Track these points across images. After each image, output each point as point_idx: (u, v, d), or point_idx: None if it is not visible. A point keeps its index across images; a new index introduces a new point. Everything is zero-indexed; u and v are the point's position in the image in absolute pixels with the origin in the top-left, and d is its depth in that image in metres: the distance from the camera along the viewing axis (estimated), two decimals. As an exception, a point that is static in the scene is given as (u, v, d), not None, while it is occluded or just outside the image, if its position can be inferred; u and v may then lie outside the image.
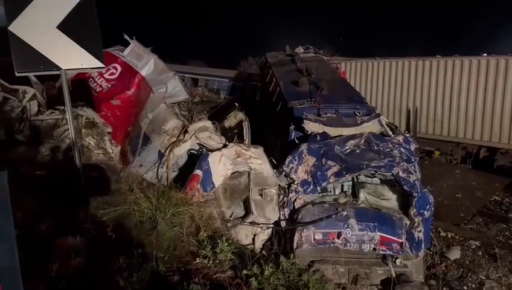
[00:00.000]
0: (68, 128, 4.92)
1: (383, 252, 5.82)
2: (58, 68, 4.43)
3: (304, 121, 7.15)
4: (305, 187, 6.27)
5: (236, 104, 9.80)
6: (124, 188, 4.84)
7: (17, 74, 4.39)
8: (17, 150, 5.68)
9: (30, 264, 2.67)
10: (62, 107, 6.42)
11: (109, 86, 7.98)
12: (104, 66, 4.56)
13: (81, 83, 7.85)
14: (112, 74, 8.09)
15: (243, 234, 5.83)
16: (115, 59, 8.21)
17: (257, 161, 6.14)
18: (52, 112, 6.77)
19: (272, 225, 6.04)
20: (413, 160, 6.45)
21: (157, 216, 4.07)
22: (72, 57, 4.43)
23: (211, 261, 3.59)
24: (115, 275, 2.94)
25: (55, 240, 3.27)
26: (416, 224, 5.93)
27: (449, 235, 9.32)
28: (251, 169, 6.08)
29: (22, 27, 4.28)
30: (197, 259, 3.63)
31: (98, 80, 8.07)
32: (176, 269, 3.42)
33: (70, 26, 4.38)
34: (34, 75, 6.72)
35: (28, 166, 5.14)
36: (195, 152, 6.42)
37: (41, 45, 4.32)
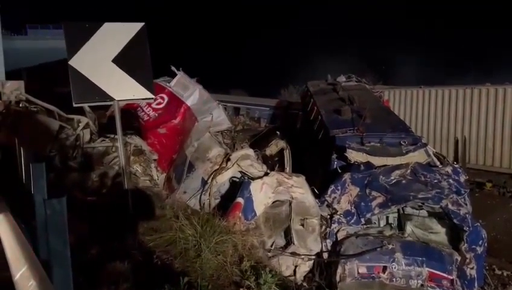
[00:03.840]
0: (117, 156, 5.15)
1: (432, 289, 5.51)
2: (112, 99, 4.72)
3: (347, 149, 7.04)
4: (348, 218, 6.12)
5: (278, 132, 9.85)
6: (169, 214, 4.95)
7: (74, 105, 4.71)
8: (71, 176, 5.99)
9: (80, 289, 2.76)
10: (112, 135, 6.75)
11: (156, 115, 8.32)
12: (154, 97, 4.79)
13: (130, 112, 8.24)
14: (159, 103, 8.44)
15: (284, 265, 5.73)
16: (162, 90, 8.58)
17: (299, 189, 6.09)
18: (103, 140, 7.13)
19: (313, 257, 5.90)
20: (463, 192, 6.17)
21: (201, 244, 4.11)
22: (124, 89, 4.71)
23: (255, 293, 3.56)
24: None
25: (104, 265, 3.38)
26: (468, 260, 5.60)
27: (505, 274, 8.69)
28: (293, 198, 6.03)
29: (81, 61, 4.63)
30: (241, 289, 3.61)
31: (146, 109, 8.44)
32: (220, 299, 3.43)
33: (124, 60, 4.69)
34: (88, 106, 7.16)
35: (79, 191, 5.39)
36: (237, 180, 6.48)
37: (97, 78, 4.64)
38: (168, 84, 8.78)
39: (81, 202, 4.94)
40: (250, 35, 44.56)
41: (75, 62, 4.58)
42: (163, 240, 4.23)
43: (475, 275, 5.58)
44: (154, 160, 7.52)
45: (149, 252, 3.83)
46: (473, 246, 5.65)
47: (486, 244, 5.79)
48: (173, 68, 9.03)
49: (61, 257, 2.09)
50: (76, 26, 4.79)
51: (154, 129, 8.13)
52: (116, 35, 4.70)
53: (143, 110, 8.50)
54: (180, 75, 8.84)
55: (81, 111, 7.37)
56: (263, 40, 42.67)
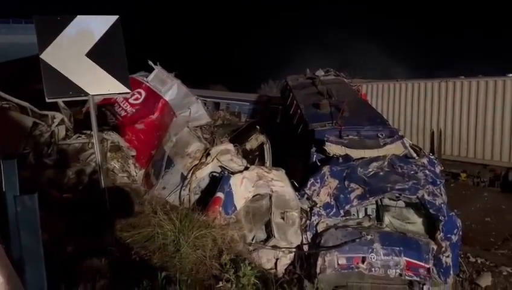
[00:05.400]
0: (94, 152, 5.05)
1: (409, 278, 5.63)
2: (87, 94, 4.61)
3: (326, 143, 7.12)
4: (327, 210, 6.19)
5: (258, 126, 9.86)
6: (147, 210, 4.90)
7: (47, 100, 4.58)
8: (46, 173, 5.85)
9: (56, 286, 2.70)
10: (88, 132, 6.61)
11: (134, 110, 8.19)
12: (130, 91, 4.71)
13: (106, 108, 8.09)
14: (137, 98, 8.30)
15: (265, 258, 5.76)
16: (139, 85, 8.44)
17: (279, 183, 6.11)
18: (79, 136, 6.97)
19: (294, 249, 5.95)
20: (438, 182, 6.30)
21: (180, 239, 4.08)
22: (99, 83, 4.61)
23: (234, 285, 3.56)
24: (139, 298, 2.95)
25: (80, 262, 3.32)
26: (443, 249, 5.75)
27: (479, 261, 8.96)
28: (273, 192, 6.05)
29: (53, 55, 4.50)
30: (220, 283, 3.61)
31: (123, 104, 8.29)
32: (199, 292, 3.42)
33: (98, 54, 4.58)
34: (63, 101, 6.98)
35: (55, 189, 5.27)
36: (217, 175, 6.45)
37: (70, 72, 4.52)
38: (145, 79, 8.64)
39: (57, 199, 4.83)
40: (230, 31, 44.36)
41: (47, 56, 4.45)
42: (142, 236, 4.19)
43: (451, 263, 5.72)
44: (132, 156, 7.40)
45: (127, 248, 3.79)
46: (449, 235, 5.80)
47: (461, 233, 5.95)
48: (150, 63, 8.89)
49: (34, 255, 2.04)
50: (47, 20, 4.65)
51: (132, 125, 7.99)
52: (90, 28, 4.59)
53: (120, 106, 8.34)
54: (158, 70, 8.71)
55: (55, 108, 7.19)
56: (244, 35, 42.57)
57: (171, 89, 8.49)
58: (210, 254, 4.06)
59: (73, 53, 4.53)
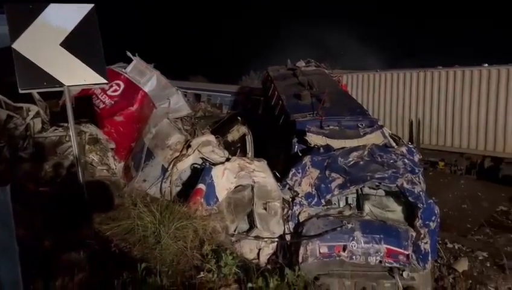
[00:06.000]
0: (71, 145, 4.94)
1: (389, 265, 5.73)
2: (62, 84, 4.48)
3: (307, 133, 7.15)
4: (309, 200, 6.23)
5: (239, 118, 9.83)
6: (127, 203, 4.83)
7: (20, 91, 4.43)
8: (21, 167, 5.70)
9: (33, 280, 2.65)
10: (65, 124, 6.46)
11: (112, 102, 8.04)
12: (107, 82, 4.60)
13: (84, 100, 7.91)
14: (115, 90, 8.15)
15: (248, 249, 5.77)
16: (117, 76, 8.28)
17: (261, 174, 6.12)
18: (56, 129, 6.81)
19: (276, 239, 5.98)
20: (417, 171, 6.41)
21: (160, 230, 4.05)
22: (75, 74, 4.48)
23: (215, 275, 3.55)
24: (119, 290, 2.91)
25: (58, 256, 3.25)
26: (422, 235, 5.85)
27: (456, 247, 9.21)
28: (255, 182, 6.05)
29: (26, 45, 4.35)
30: (201, 273, 3.60)
31: (101, 96, 8.13)
32: (179, 283, 3.39)
33: (73, 43, 4.44)
34: (38, 93, 6.79)
35: (32, 183, 5.14)
36: (199, 166, 6.41)
37: (44, 62, 4.38)
38: (123, 70, 8.48)
39: (34, 193, 4.71)
40: (210, 22, 43.90)
41: (19, 45, 4.29)
42: (121, 228, 4.13)
43: (429, 249, 5.83)
44: (112, 149, 7.28)
45: (106, 241, 3.73)
46: (427, 222, 5.90)
47: (439, 219, 6.06)
48: (129, 53, 8.72)
49: (7, 248, 1.99)
50: (19, 8, 4.48)
51: (111, 117, 7.85)
52: (64, 17, 4.43)
53: (98, 98, 8.17)
54: (136, 61, 8.55)
55: (31, 100, 7.00)
56: (224, 27, 42.20)
57: (150, 80, 8.36)
58: (191, 245, 4.04)
59: (47, 42, 4.38)
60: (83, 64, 4.43)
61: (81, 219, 4.08)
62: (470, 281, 7.69)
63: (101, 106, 8.05)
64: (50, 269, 3.06)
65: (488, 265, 8.32)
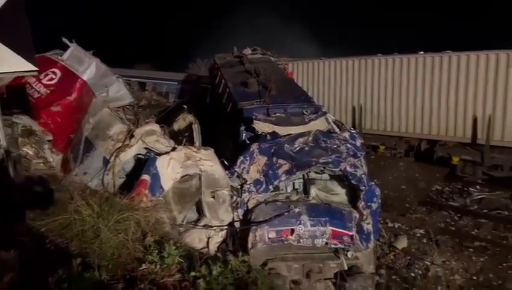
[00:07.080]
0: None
1: (334, 246, 5.93)
2: (-16, 73, 4.11)
3: (254, 121, 7.18)
4: (257, 187, 6.28)
5: (186, 106, 9.64)
6: (65, 197, 4.58)
7: None
8: None
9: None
10: (-6, 116, 5.97)
11: (48, 91, 7.55)
12: (37, 69, 4.28)
13: (17, 89, 7.34)
14: (51, 79, 7.65)
15: (197, 238, 5.73)
16: (53, 64, 7.78)
17: (208, 162, 6.05)
18: (-16, 121, 6.28)
19: (225, 227, 5.98)
20: (359, 155, 6.65)
21: (99, 224, 3.88)
22: (1, 61, 4.12)
23: (158, 266, 3.48)
24: (53, 288, 2.76)
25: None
26: (365, 217, 6.11)
27: (396, 226, 9.74)
28: (202, 171, 5.99)
29: None
30: (143, 265, 3.51)
31: (36, 85, 7.60)
32: (120, 276, 3.29)
33: (-3, 27, 4.07)
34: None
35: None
36: (143, 157, 6.22)
37: (-35, 48, 3.99)
38: (60, 57, 7.97)
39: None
40: (155, 9, 42.42)
41: None
42: (57, 223, 3.90)
43: (371, 229, 6.10)
44: (48, 141, 6.85)
45: (41, 238, 3.52)
46: (369, 203, 6.16)
47: (380, 201, 6.36)
48: (65, 40, 8.20)
49: None
50: None
51: (47, 107, 7.36)
52: (-15, -3, 4.06)
53: (32, 87, 7.62)
54: (74, 48, 8.06)
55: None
56: (168, 14, 40.99)
57: (89, 68, 7.91)
58: (133, 237, 3.92)
59: (-33, 26, 4.00)
60: (9, 49, 4.04)
61: (13, 216, 3.81)
62: (409, 257, 8.19)
63: (36, 95, 7.53)
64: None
65: (425, 241, 8.89)
